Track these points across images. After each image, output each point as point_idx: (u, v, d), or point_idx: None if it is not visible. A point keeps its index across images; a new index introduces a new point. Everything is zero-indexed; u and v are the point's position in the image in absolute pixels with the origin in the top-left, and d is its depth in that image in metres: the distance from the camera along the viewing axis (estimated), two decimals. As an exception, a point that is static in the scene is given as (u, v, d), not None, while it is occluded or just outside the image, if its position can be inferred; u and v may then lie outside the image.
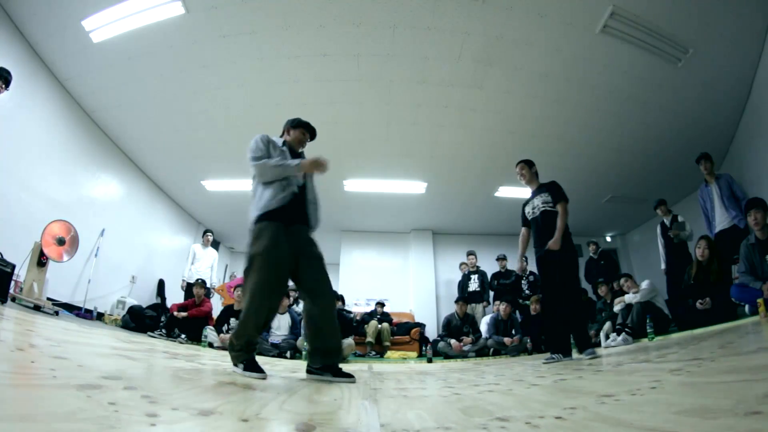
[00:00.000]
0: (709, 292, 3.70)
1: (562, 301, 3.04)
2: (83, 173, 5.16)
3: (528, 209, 3.43)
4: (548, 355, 3.07)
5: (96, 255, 5.29)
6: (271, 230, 1.99)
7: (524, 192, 6.73)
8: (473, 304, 6.53)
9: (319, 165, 2.10)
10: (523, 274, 6.69)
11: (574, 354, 3.08)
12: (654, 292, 4.28)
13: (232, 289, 5.71)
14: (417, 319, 7.41)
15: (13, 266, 3.23)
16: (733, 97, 4.56)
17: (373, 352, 6.02)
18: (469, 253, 7.01)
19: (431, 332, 7.14)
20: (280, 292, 2.12)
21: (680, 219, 4.97)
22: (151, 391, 1.05)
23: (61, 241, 4.04)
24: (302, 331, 4.74)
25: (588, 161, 5.84)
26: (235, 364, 1.93)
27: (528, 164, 3.44)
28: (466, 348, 5.36)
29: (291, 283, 2.14)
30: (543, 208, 3.23)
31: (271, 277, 1.95)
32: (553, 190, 3.26)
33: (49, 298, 4.11)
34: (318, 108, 4.86)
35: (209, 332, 4.68)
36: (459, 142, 5.52)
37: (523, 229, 3.49)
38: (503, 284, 6.64)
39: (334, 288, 6.32)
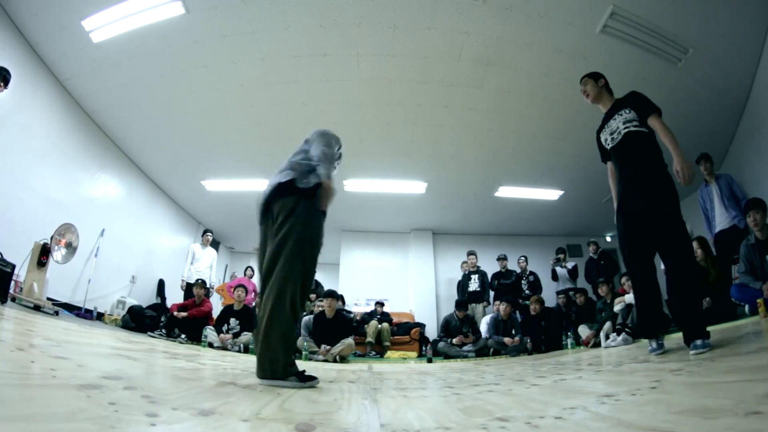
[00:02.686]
0: (709, 292, 3.71)
1: (670, 262, 2.12)
2: (83, 173, 5.16)
3: (605, 137, 2.57)
4: (648, 343, 2.33)
5: (96, 255, 5.29)
6: (322, 221, 1.82)
7: (524, 192, 6.81)
8: (473, 304, 6.53)
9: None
10: (523, 275, 6.70)
11: (670, 342, 2.28)
12: (654, 292, 4.27)
13: (232, 289, 5.71)
14: (417, 319, 7.42)
15: (13, 266, 3.23)
16: (733, 97, 4.56)
17: (373, 352, 6.02)
18: (470, 253, 7.01)
19: (431, 332, 7.15)
20: None
21: (680, 219, 4.97)
22: (151, 391, 1.05)
23: (69, 245, 4.11)
24: (301, 332, 4.75)
25: (588, 161, 5.83)
26: (283, 377, 1.57)
27: (593, 76, 2.64)
28: (465, 348, 5.36)
29: None
30: (627, 129, 2.37)
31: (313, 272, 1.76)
32: (637, 102, 2.40)
33: (49, 298, 4.10)
34: (318, 108, 4.86)
35: (209, 332, 4.67)
36: (459, 142, 5.52)
37: (609, 164, 2.66)
38: (503, 284, 6.64)
39: (334, 288, 6.28)
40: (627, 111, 2.43)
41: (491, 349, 5.22)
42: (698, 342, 1.91)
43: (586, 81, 2.68)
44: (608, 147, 2.55)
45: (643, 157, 2.30)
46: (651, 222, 2.17)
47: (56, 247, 3.98)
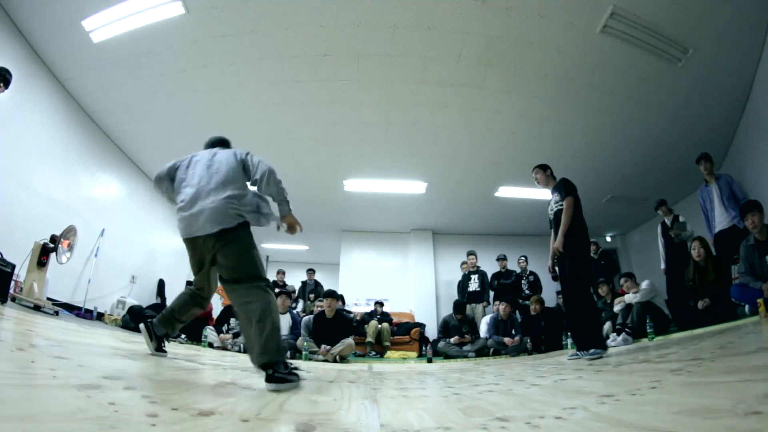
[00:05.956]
0: (709, 292, 3.71)
1: (571, 298, 3.11)
2: (83, 173, 5.15)
3: (549, 211, 3.48)
4: (573, 351, 3.15)
5: (96, 255, 5.29)
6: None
7: (524, 192, 6.81)
8: (473, 304, 6.53)
9: (296, 228, 2.17)
10: (523, 275, 6.70)
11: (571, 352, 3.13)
12: (654, 292, 4.28)
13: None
14: (417, 319, 7.42)
15: (13, 266, 3.22)
16: (733, 97, 4.56)
17: (373, 352, 6.02)
18: (470, 253, 7.01)
19: (431, 332, 7.15)
20: None
21: (681, 219, 4.97)
22: (151, 391, 1.05)
23: (70, 247, 4.13)
24: (302, 332, 4.75)
25: (588, 161, 5.85)
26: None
27: (542, 168, 3.54)
28: (465, 348, 5.36)
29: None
30: (555, 209, 3.29)
31: None
32: (560, 187, 3.30)
33: (49, 298, 4.10)
34: (318, 108, 4.86)
35: (209, 332, 4.68)
36: (459, 142, 5.52)
37: (552, 231, 3.45)
38: (503, 284, 6.64)
39: (334, 288, 6.31)
40: (556, 194, 3.32)
41: (491, 349, 5.23)
42: (594, 351, 2.83)
43: (536, 171, 3.55)
44: (550, 219, 3.41)
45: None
46: (568, 266, 3.09)
47: (61, 250, 3.99)
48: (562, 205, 3.21)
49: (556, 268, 3.36)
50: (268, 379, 1.55)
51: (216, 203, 1.94)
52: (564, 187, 3.25)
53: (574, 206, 3.16)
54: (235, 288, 1.83)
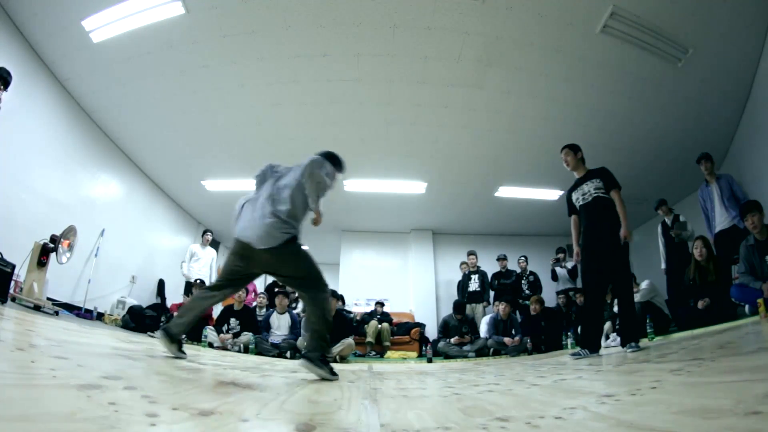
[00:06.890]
0: (709, 292, 3.71)
1: (611, 292, 3.13)
2: (83, 173, 5.15)
3: (576, 196, 3.28)
4: (576, 350, 3.15)
5: (96, 255, 5.29)
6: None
7: (524, 192, 6.81)
8: (473, 304, 6.53)
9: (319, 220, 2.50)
10: (523, 275, 6.70)
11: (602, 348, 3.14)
12: (654, 292, 4.28)
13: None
14: (417, 319, 7.42)
15: (13, 266, 3.22)
16: (733, 97, 4.56)
17: (373, 352, 6.02)
18: (470, 253, 7.01)
19: (431, 332, 7.15)
20: None
21: (682, 219, 4.97)
22: (151, 391, 1.05)
23: (70, 247, 4.13)
24: (301, 331, 4.75)
25: (587, 161, 5.83)
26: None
27: (573, 149, 3.32)
28: (465, 348, 5.36)
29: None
30: (596, 194, 3.13)
31: None
32: (606, 176, 3.16)
33: (49, 298, 4.10)
34: (318, 108, 4.86)
35: (209, 332, 4.67)
36: (459, 142, 5.52)
37: (573, 217, 3.35)
38: (503, 284, 6.64)
39: (334, 288, 6.35)
40: (597, 180, 3.18)
41: (491, 349, 5.22)
42: (634, 344, 2.76)
43: (567, 152, 3.33)
44: (578, 204, 3.25)
45: (606, 216, 3.06)
46: (607, 261, 3.00)
47: (61, 250, 3.99)
48: (603, 192, 3.11)
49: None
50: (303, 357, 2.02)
51: (266, 221, 2.17)
52: (612, 177, 3.16)
53: None
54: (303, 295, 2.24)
